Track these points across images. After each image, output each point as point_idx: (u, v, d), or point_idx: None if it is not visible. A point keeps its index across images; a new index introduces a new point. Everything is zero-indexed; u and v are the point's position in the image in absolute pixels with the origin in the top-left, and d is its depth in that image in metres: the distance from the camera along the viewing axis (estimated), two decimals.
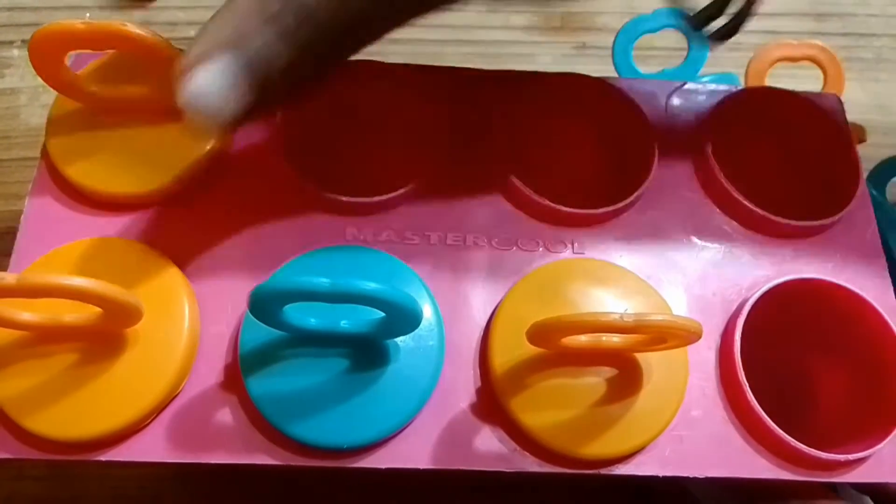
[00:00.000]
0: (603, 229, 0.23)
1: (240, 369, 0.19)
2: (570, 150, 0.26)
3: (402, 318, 0.18)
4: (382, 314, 0.18)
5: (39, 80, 0.20)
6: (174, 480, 0.28)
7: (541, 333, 0.19)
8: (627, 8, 0.38)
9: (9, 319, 0.18)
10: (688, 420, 0.21)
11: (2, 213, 0.31)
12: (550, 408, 0.20)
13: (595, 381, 0.20)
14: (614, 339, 0.20)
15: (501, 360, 0.20)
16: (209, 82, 0.16)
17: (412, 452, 0.20)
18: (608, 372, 0.20)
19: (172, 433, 0.19)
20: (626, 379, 0.20)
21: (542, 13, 0.38)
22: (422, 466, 0.20)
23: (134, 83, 0.22)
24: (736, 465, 0.21)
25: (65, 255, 0.20)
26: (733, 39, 0.31)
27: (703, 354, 0.22)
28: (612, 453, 0.20)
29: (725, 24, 0.23)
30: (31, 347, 0.19)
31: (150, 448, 0.19)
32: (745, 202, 0.23)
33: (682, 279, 0.23)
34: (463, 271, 0.22)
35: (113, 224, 0.22)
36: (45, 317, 0.19)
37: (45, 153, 0.22)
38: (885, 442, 0.20)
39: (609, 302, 0.21)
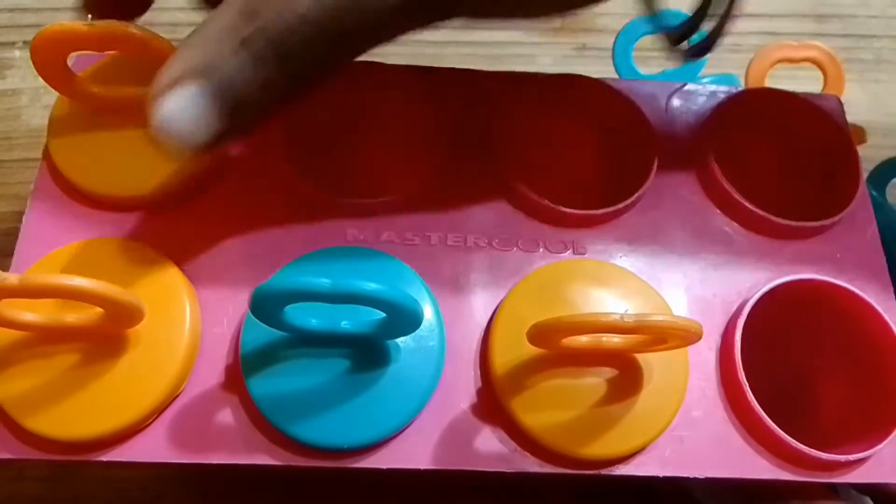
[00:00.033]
0: (603, 230, 0.23)
1: (241, 370, 0.19)
2: (570, 151, 0.26)
3: (403, 319, 0.18)
4: (383, 315, 0.18)
5: (41, 81, 0.20)
6: (175, 481, 0.27)
7: (541, 334, 0.19)
8: (628, 9, 0.38)
9: (11, 320, 0.18)
10: (688, 420, 0.21)
11: (3, 213, 0.31)
12: (551, 408, 0.20)
13: (595, 381, 0.20)
14: (615, 340, 0.20)
15: (502, 360, 0.20)
16: (179, 108, 0.16)
17: (413, 453, 0.20)
18: (609, 372, 0.20)
19: (174, 433, 0.19)
20: (626, 379, 0.20)
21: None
22: (422, 467, 0.20)
23: (135, 84, 0.22)
24: (736, 466, 0.21)
25: (66, 255, 0.20)
26: (733, 40, 0.31)
27: (704, 355, 0.22)
28: (613, 454, 0.20)
29: (701, 41, 0.23)
30: (33, 348, 0.19)
31: (152, 448, 0.19)
32: (746, 203, 0.23)
33: (683, 280, 0.23)
34: (463, 272, 0.22)
35: (114, 225, 0.22)
36: (46, 317, 0.19)
37: (46, 154, 0.22)
38: (885, 442, 0.21)
39: (609, 303, 0.21)
